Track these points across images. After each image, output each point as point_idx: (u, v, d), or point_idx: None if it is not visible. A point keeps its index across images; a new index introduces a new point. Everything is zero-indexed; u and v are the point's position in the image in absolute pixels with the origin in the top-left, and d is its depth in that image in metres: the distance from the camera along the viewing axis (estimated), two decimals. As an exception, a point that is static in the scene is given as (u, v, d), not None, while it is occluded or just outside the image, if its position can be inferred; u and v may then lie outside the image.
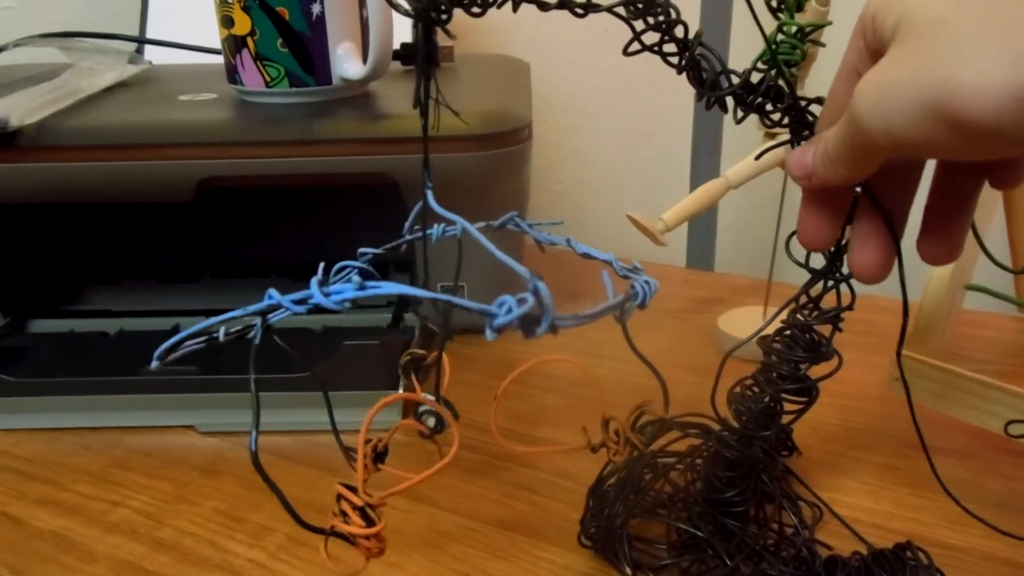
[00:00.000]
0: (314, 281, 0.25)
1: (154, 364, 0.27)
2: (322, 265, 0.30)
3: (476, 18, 0.30)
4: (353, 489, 0.28)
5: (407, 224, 0.38)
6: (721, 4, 0.69)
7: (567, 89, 0.84)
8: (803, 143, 0.33)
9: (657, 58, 0.32)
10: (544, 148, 0.86)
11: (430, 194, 0.34)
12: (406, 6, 0.27)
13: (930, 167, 0.32)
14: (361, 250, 0.38)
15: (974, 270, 0.50)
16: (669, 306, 0.65)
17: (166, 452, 0.48)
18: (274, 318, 0.27)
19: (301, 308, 0.25)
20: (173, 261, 0.65)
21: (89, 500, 0.44)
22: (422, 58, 0.28)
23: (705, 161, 0.75)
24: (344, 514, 0.28)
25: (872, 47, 0.29)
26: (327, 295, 0.24)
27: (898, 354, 0.36)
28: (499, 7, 0.30)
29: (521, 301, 0.23)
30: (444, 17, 0.28)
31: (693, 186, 0.76)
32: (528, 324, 0.24)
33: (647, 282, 0.32)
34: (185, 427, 0.50)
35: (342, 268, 0.35)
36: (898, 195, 0.32)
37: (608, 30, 0.39)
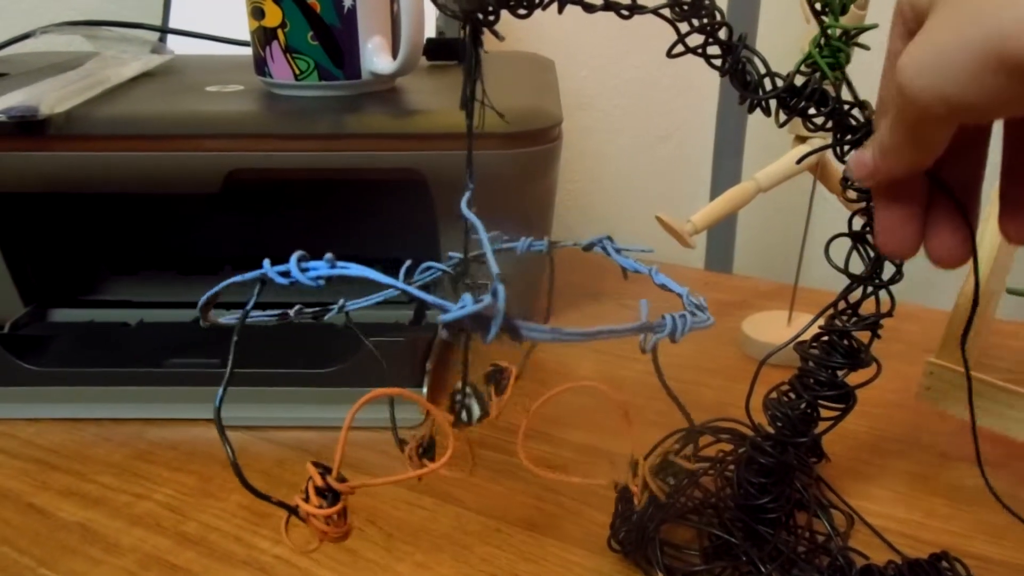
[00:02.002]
0: (293, 257, 0.25)
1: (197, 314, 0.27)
2: (407, 264, 0.32)
3: (522, 19, 0.30)
4: (326, 471, 0.28)
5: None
6: (749, 7, 0.69)
7: (585, 88, 0.84)
8: (859, 151, 0.32)
9: (678, 59, 0.32)
10: (566, 148, 0.85)
11: (466, 197, 0.34)
12: (453, 7, 0.27)
13: (997, 142, 0.31)
14: (450, 253, 0.38)
15: (1007, 278, 0.50)
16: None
17: (190, 445, 0.48)
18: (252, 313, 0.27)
19: (284, 280, 0.25)
20: (196, 253, 0.65)
21: (113, 492, 0.44)
22: (470, 60, 0.27)
23: (728, 163, 0.74)
24: (307, 493, 0.28)
25: (912, 28, 0.27)
26: (304, 271, 0.25)
27: (962, 344, 0.36)
28: (544, 8, 0.30)
29: (479, 300, 0.23)
30: (492, 19, 0.28)
31: (714, 188, 0.76)
32: (481, 324, 0.23)
33: (684, 316, 0.31)
34: (208, 420, 0.50)
35: (426, 268, 0.35)
36: (965, 174, 0.31)
37: (629, 29, 0.38)
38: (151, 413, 0.50)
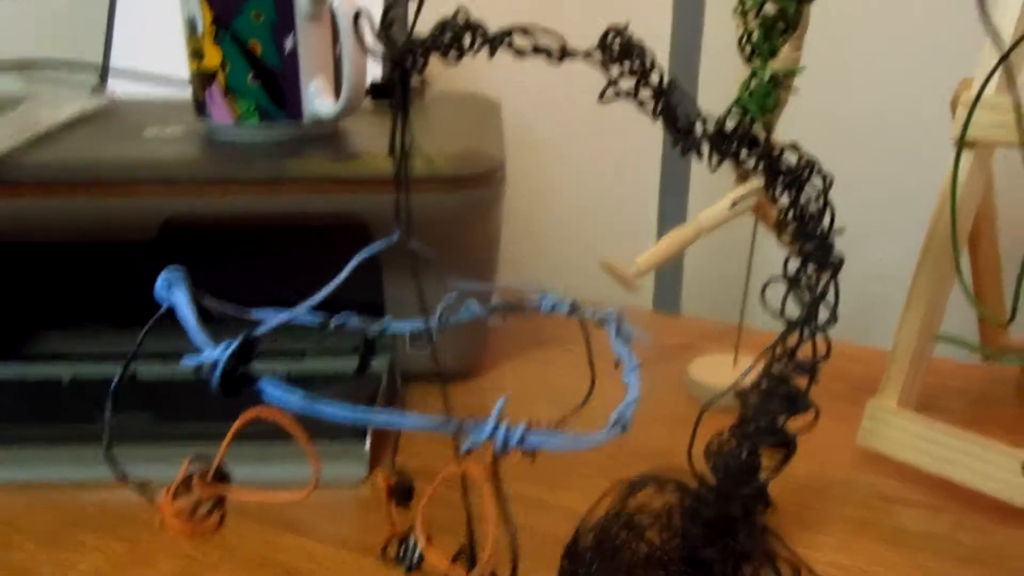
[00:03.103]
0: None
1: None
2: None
3: (451, 67, 0.29)
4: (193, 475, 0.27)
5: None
6: (690, 50, 0.70)
7: (535, 128, 0.84)
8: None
9: (626, 99, 0.32)
10: (511, 186, 0.85)
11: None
12: (381, 51, 0.27)
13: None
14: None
15: (943, 319, 0.50)
16: (636, 352, 0.64)
17: (120, 508, 0.46)
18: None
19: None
20: (132, 302, 0.63)
21: (38, 563, 0.42)
22: (398, 105, 0.27)
23: (673, 201, 0.75)
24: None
25: None
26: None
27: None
28: (475, 54, 0.29)
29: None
30: (421, 63, 0.28)
31: (660, 227, 0.76)
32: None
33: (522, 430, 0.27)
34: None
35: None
36: None
37: (577, 70, 0.39)
38: (82, 474, 0.48)
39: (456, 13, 0.29)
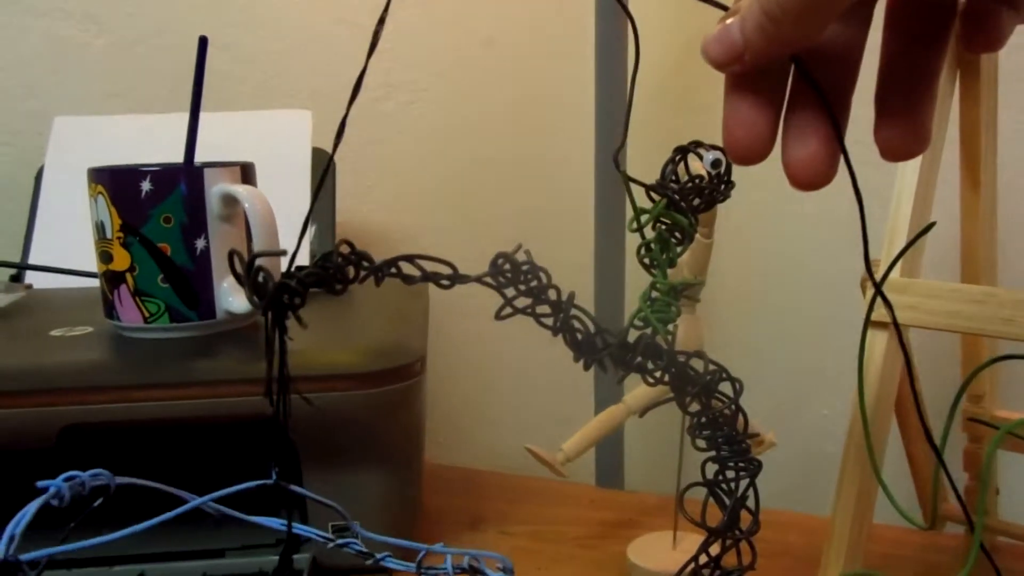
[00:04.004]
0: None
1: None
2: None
3: (338, 296, 0.29)
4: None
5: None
6: (614, 260, 0.70)
7: (470, 294, 0.84)
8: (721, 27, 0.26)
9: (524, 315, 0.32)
10: (446, 355, 0.84)
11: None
12: (255, 301, 0.26)
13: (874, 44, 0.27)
14: None
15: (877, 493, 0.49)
16: (576, 532, 0.62)
17: None
18: None
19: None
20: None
21: None
22: (271, 353, 0.26)
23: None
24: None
25: None
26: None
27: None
28: (361, 282, 0.29)
29: None
30: (298, 302, 0.27)
31: (596, 390, 0.75)
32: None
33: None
34: None
35: None
36: (837, 76, 0.27)
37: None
38: None
39: (339, 245, 0.28)
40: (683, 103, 0.75)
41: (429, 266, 0.29)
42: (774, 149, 0.27)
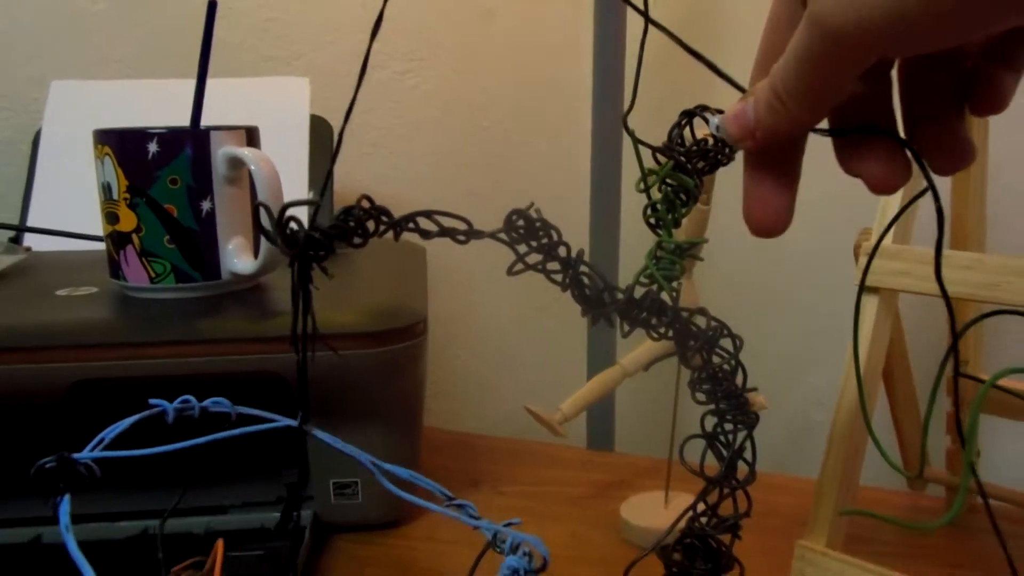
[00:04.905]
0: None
1: None
2: None
3: (357, 248, 0.30)
4: None
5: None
6: (610, 222, 0.71)
7: (464, 264, 0.85)
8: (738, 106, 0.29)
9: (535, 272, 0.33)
10: (442, 324, 0.86)
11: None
12: (285, 249, 0.27)
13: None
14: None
15: (864, 455, 0.51)
16: (570, 492, 0.64)
17: None
18: None
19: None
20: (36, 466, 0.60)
21: None
22: (298, 300, 0.27)
23: (600, 335, 0.75)
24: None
25: None
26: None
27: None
28: (380, 236, 0.30)
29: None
30: (323, 254, 0.28)
31: (589, 359, 0.77)
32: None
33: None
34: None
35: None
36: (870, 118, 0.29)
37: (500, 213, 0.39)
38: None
39: (359, 200, 0.29)
40: (683, 67, 0.76)
41: (445, 222, 0.29)
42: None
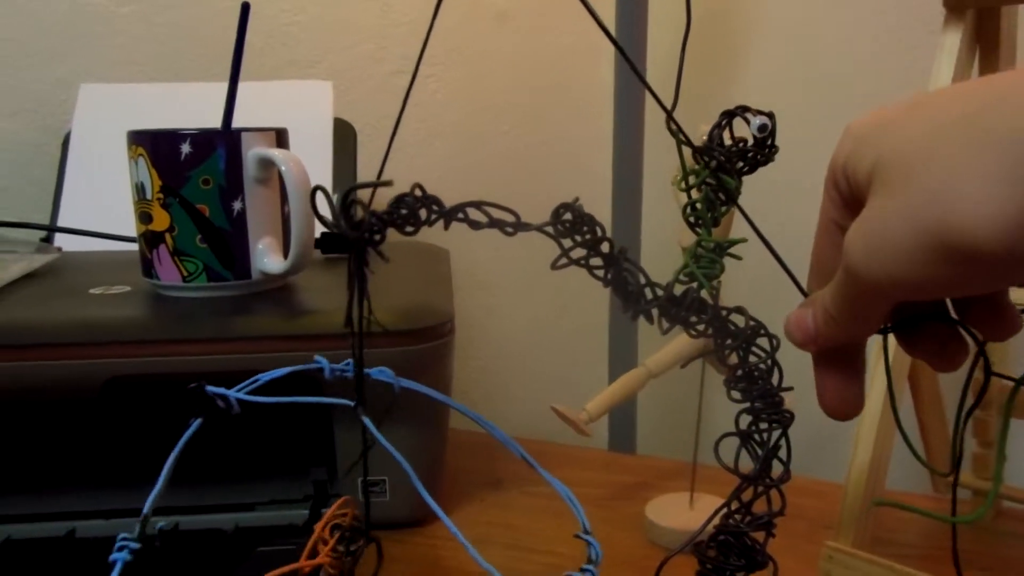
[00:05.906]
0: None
1: None
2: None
3: (408, 236, 0.30)
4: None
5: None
6: (631, 219, 0.72)
7: (484, 267, 0.86)
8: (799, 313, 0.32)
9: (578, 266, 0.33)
10: (463, 327, 0.86)
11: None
12: (344, 229, 0.27)
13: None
14: None
15: (891, 454, 0.51)
16: (594, 493, 0.64)
17: None
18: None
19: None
20: (68, 461, 0.61)
21: None
22: (354, 284, 0.27)
23: (623, 335, 0.76)
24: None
25: (847, 197, 0.29)
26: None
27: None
28: (431, 225, 0.30)
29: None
30: (378, 239, 0.28)
31: (611, 362, 0.77)
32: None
33: None
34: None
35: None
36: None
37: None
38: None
39: (413, 188, 0.30)
40: (708, 67, 0.76)
41: (494, 214, 0.30)
42: None
